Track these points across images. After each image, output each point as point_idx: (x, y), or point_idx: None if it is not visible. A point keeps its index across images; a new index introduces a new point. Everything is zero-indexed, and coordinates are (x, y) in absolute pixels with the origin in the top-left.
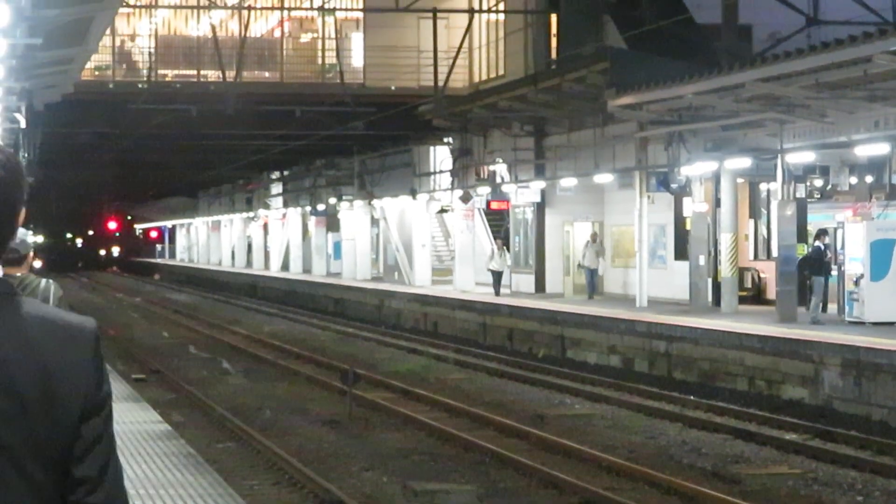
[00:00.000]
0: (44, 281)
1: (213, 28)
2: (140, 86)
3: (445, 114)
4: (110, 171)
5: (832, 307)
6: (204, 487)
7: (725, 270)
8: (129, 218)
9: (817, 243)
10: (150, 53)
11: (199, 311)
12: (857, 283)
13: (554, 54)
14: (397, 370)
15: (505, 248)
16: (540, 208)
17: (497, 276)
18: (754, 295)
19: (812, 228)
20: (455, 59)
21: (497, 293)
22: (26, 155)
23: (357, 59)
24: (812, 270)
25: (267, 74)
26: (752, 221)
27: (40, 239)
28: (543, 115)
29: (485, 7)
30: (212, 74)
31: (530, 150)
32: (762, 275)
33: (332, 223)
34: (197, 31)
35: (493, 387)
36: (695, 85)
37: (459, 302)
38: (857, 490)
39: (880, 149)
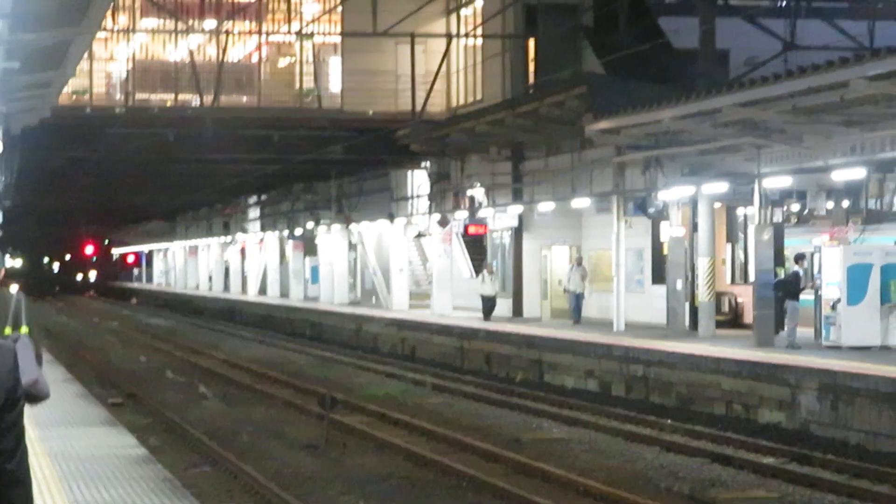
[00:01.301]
0: (14, 294)
1: (191, 52)
2: (117, 110)
3: (423, 138)
4: (88, 195)
5: (809, 331)
6: None
7: (703, 295)
8: (107, 242)
9: (795, 267)
10: (127, 78)
11: (176, 335)
12: (833, 307)
13: (532, 79)
14: (375, 394)
15: (495, 272)
16: (518, 233)
17: (487, 301)
18: (731, 319)
19: (789, 253)
20: (433, 83)
21: (486, 318)
22: (3, 179)
23: (335, 83)
24: (787, 294)
25: (245, 99)
26: (729, 246)
27: (19, 263)
28: (521, 139)
29: (462, 32)
30: (189, 99)
31: (508, 174)
32: (739, 299)
33: (309, 247)
34: (175, 56)
35: (470, 411)
36: (672, 110)
37: (437, 326)
38: None
39: (857, 173)
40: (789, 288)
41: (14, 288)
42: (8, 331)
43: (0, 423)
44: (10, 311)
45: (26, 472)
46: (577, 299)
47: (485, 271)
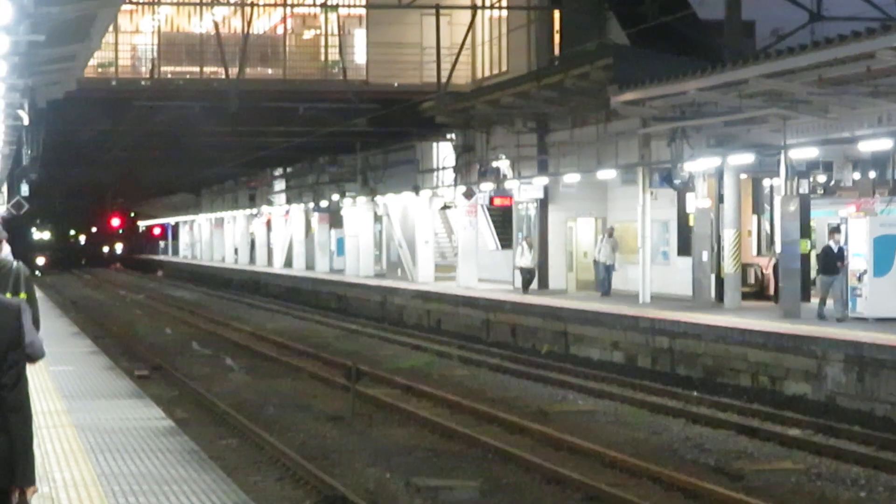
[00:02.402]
0: (15, 263)
1: (216, 25)
2: (143, 83)
3: (448, 110)
4: (113, 168)
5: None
6: (207, 483)
7: (728, 266)
8: (133, 215)
9: (829, 242)
10: (153, 51)
11: (202, 307)
12: (860, 279)
13: (557, 51)
14: (400, 367)
15: (534, 245)
16: (543, 204)
17: (526, 273)
18: (757, 291)
19: (816, 224)
20: (458, 55)
21: (524, 290)
22: (29, 152)
23: (360, 55)
24: (820, 269)
25: (270, 71)
26: (755, 217)
27: (46, 236)
28: (546, 111)
29: (488, 3)
30: (215, 71)
31: (533, 146)
32: (765, 271)
33: (335, 220)
34: (200, 29)
35: (496, 383)
36: (698, 81)
37: (463, 298)
38: (861, 485)
39: (883, 144)
40: (823, 262)
41: (6, 250)
42: (8, 296)
43: (3, 363)
44: (11, 279)
45: (24, 401)
46: (607, 271)
47: (524, 243)
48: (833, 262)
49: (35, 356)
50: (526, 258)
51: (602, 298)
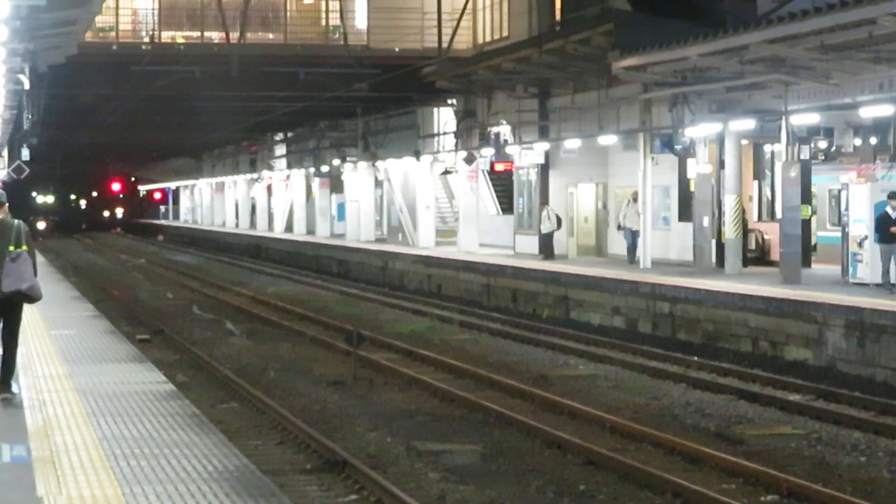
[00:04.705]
0: (16, 221)
1: None
2: (144, 47)
3: (449, 75)
4: (114, 132)
5: (836, 269)
6: (208, 447)
7: (729, 232)
8: (133, 179)
9: (888, 208)
10: (153, 15)
11: (202, 272)
12: (860, 244)
13: (558, 16)
14: (401, 331)
15: (552, 209)
16: (544, 170)
17: (547, 238)
18: (758, 256)
19: (816, 190)
20: (459, 20)
21: (546, 257)
22: (30, 116)
23: (361, 20)
24: (879, 238)
25: (271, 36)
26: (756, 183)
27: (47, 200)
28: (548, 76)
29: None
30: (216, 36)
31: (534, 111)
32: (766, 236)
33: (336, 185)
34: None
35: (497, 348)
36: (699, 46)
37: (463, 263)
38: (861, 451)
39: (885, 110)
40: (881, 230)
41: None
42: (12, 248)
43: None
44: (13, 234)
45: None
46: (634, 237)
47: (548, 208)
48: (888, 228)
49: (36, 297)
50: (544, 223)
51: (595, 262)
